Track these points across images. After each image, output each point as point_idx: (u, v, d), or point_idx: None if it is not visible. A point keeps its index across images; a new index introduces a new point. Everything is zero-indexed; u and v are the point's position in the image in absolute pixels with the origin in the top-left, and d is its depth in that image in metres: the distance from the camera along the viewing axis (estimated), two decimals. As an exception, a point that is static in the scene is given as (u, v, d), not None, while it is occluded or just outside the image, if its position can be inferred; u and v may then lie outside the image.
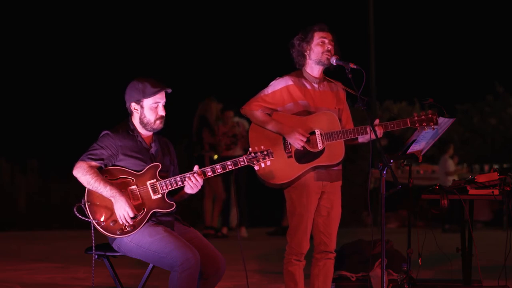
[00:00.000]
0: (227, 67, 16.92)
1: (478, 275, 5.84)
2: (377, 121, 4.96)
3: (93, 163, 4.45)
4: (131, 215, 4.38)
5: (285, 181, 4.94)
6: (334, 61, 4.93)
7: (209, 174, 4.53)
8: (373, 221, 10.53)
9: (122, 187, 4.44)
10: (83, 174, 4.41)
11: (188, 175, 4.49)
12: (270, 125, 4.96)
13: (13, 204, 13.44)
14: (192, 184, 4.49)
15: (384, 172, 4.42)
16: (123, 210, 4.38)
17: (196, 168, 4.53)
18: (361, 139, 5.03)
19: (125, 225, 4.40)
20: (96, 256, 4.54)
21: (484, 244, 8.06)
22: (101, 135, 4.55)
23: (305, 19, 16.22)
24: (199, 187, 4.53)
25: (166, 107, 4.61)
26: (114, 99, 5.64)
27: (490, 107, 18.02)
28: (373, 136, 4.70)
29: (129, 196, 4.44)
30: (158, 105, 4.57)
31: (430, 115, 4.99)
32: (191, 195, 4.63)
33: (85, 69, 16.17)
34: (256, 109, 5.00)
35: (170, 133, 4.96)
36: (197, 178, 4.49)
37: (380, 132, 4.90)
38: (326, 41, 4.98)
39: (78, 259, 8.16)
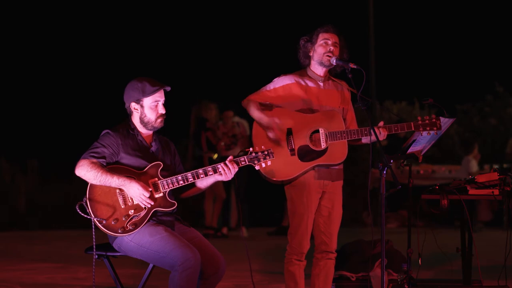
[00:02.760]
0: (227, 67, 16.91)
1: (478, 275, 5.83)
2: (381, 123, 4.97)
3: (95, 160, 4.45)
4: (147, 194, 4.39)
5: (287, 178, 4.95)
6: (334, 61, 4.94)
7: (210, 173, 4.54)
8: (373, 221, 10.52)
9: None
10: (87, 170, 4.41)
11: (219, 165, 4.51)
12: (263, 120, 4.93)
13: (13, 204, 13.44)
14: (227, 170, 4.50)
15: (384, 172, 4.43)
16: (138, 193, 4.39)
17: (230, 158, 4.55)
18: (365, 139, 5.05)
19: (127, 224, 4.40)
20: (97, 256, 4.55)
21: (484, 244, 8.05)
22: (102, 134, 4.57)
23: (305, 19, 16.23)
24: (233, 174, 4.54)
25: (166, 107, 4.62)
26: (114, 99, 5.65)
27: (490, 107, 17.99)
28: (374, 138, 4.71)
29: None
30: (158, 103, 4.58)
31: (434, 120, 5.01)
32: (203, 191, 4.70)
33: (85, 69, 16.16)
34: (255, 102, 4.98)
35: (170, 133, 4.96)
36: (232, 165, 4.51)
37: (384, 134, 4.92)
38: (329, 42, 4.97)
39: (78, 259, 8.16)
